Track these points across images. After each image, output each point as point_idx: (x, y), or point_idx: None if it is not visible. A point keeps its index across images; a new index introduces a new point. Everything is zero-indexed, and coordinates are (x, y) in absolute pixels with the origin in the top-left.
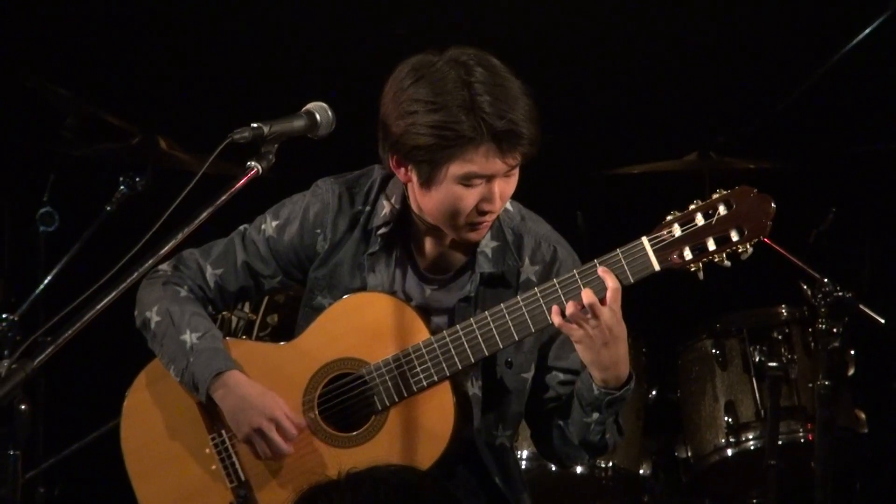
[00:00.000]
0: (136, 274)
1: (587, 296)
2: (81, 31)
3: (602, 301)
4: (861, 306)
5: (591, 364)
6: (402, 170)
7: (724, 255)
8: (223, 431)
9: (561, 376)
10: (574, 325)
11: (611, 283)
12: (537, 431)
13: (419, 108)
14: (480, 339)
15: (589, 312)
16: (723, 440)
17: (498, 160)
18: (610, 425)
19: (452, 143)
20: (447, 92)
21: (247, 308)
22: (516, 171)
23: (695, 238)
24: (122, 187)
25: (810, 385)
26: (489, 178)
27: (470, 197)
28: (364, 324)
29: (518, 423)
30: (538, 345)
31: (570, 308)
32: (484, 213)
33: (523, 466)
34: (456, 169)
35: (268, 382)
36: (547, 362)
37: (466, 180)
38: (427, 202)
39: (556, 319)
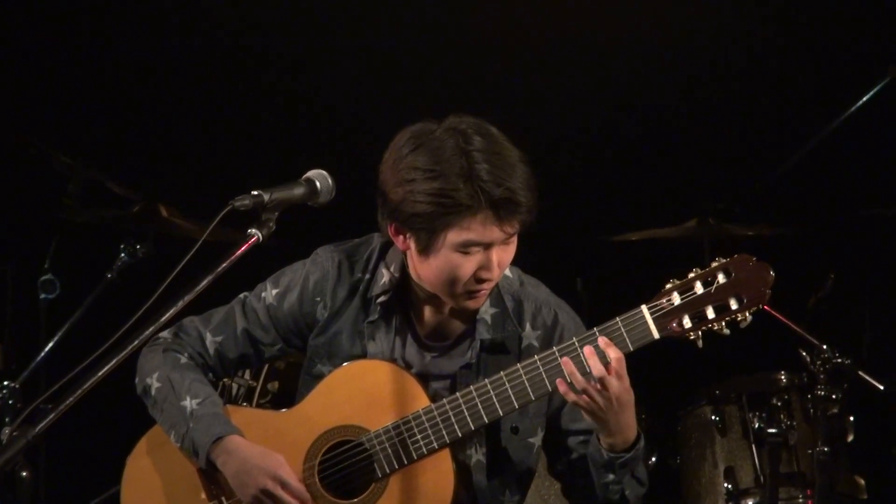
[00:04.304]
0: (136, 341)
1: (596, 368)
2: (83, 99)
3: (608, 370)
4: (860, 373)
5: (598, 429)
6: (401, 237)
7: (724, 324)
8: (223, 498)
9: (581, 437)
10: (583, 396)
11: (613, 353)
12: (568, 490)
13: (417, 176)
14: (480, 407)
15: (598, 383)
16: None
17: (496, 228)
18: (628, 482)
19: (450, 210)
20: (445, 160)
21: (247, 375)
22: (514, 240)
23: (694, 306)
24: (122, 254)
25: (809, 451)
26: (487, 246)
27: (468, 265)
28: (364, 391)
29: (527, 487)
30: (544, 410)
31: (580, 381)
32: (482, 282)
33: None
34: (454, 236)
35: (267, 449)
36: (561, 426)
37: (464, 248)
38: (425, 270)
39: (561, 389)
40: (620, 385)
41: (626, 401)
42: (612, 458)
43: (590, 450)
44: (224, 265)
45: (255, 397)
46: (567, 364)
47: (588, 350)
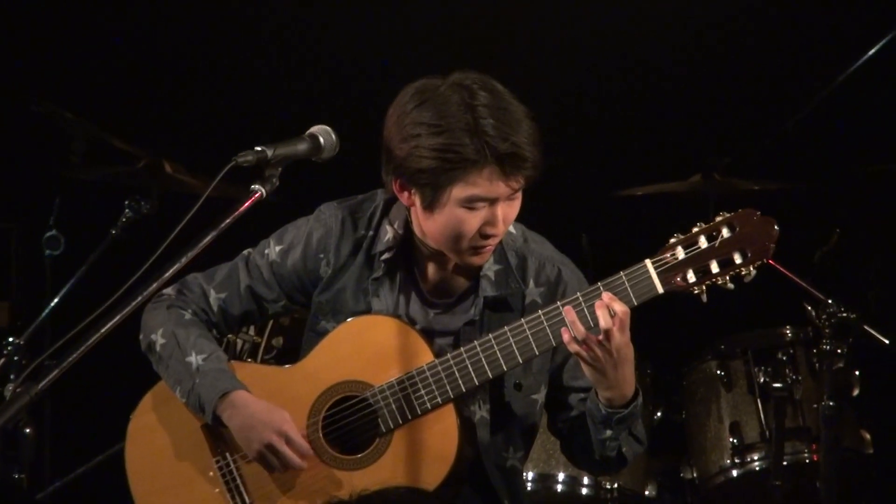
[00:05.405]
0: (140, 297)
1: (604, 320)
2: (88, 56)
3: (612, 322)
4: (865, 327)
5: (596, 383)
6: (406, 193)
7: (728, 278)
8: (227, 454)
9: (581, 395)
10: (585, 346)
11: (618, 307)
12: (567, 447)
13: (422, 132)
14: (484, 362)
15: (602, 335)
16: (728, 461)
17: (501, 183)
18: (625, 439)
19: (456, 165)
20: (450, 115)
21: (252, 331)
22: (519, 195)
23: (698, 261)
24: (127, 211)
25: (815, 406)
26: (492, 202)
27: (473, 220)
28: (368, 346)
29: (530, 444)
30: (548, 366)
31: (580, 331)
32: (487, 237)
33: (529, 488)
34: (459, 192)
35: (273, 404)
36: (563, 383)
37: (469, 203)
38: (430, 226)
39: (565, 337)
40: (622, 338)
41: (626, 355)
42: (610, 414)
43: (588, 405)
44: (227, 221)
45: (260, 353)
46: (569, 312)
47: (599, 303)
